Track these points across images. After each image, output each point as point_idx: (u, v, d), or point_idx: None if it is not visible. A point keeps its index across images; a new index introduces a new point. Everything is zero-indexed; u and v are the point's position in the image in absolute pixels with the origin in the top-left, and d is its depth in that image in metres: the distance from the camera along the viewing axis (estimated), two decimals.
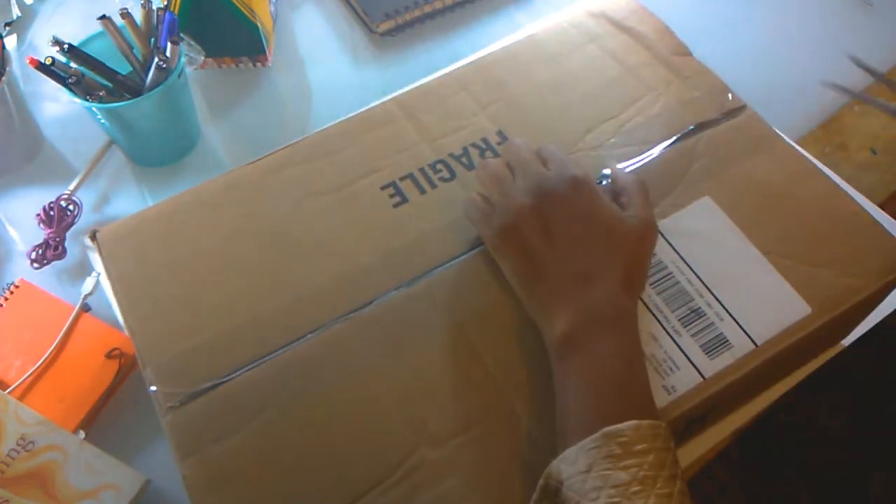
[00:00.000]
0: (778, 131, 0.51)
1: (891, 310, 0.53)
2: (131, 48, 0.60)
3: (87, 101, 0.57)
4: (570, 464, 0.35)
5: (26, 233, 0.60)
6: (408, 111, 0.52)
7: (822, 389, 1.04)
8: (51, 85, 0.57)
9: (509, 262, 0.43)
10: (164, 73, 0.58)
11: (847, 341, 0.53)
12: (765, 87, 0.51)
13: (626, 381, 0.38)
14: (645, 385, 0.39)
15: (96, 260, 0.47)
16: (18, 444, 0.47)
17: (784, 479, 1.02)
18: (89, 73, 0.58)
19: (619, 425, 0.35)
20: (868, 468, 1.03)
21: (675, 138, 0.50)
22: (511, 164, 0.45)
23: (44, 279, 0.57)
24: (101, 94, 0.57)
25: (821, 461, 1.04)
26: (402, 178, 0.49)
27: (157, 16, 0.60)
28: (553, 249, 0.41)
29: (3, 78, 0.59)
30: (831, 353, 0.53)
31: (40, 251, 0.57)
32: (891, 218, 0.57)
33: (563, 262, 0.41)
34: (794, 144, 0.51)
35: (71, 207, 0.59)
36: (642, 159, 0.50)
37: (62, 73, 0.56)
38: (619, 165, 0.49)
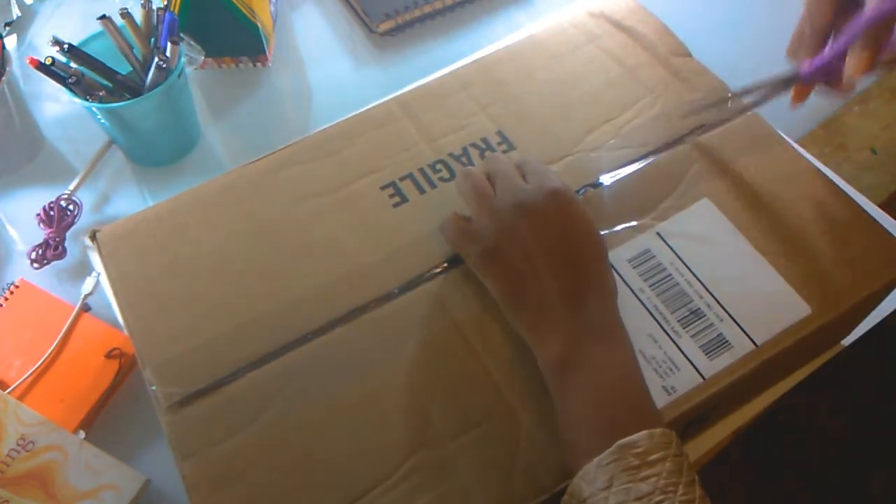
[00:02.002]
0: (778, 131, 0.51)
1: (891, 310, 0.53)
2: (131, 48, 0.60)
3: (87, 101, 0.57)
4: (590, 482, 0.35)
5: (26, 233, 0.60)
6: (408, 111, 0.52)
7: (822, 389, 1.04)
8: (51, 85, 0.57)
9: (493, 283, 0.42)
10: (164, 73, 0.58)
11: (847, 341, 0.53)
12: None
13: (630, 392, 0.38)
14: (647, 393, 0.39)
15: (96, 260, 0.47)
16: (18, 444, 0.47)
17: (784, 479, 1.02)
18: (89, 73, 0.58)
19: (633, 437, 0.35)
20: (868, 468, 1.03)
21: (674, 139, 0.50)
22: (491, 177, 0.44)
23: (44, 279, 0.57)
24: (101, 94, 0.58)
25: (821, 461, 1.04)
26: (401, 178, 0.49)
27: (157, 16, 0.60)
28: (537, 270, 0.41)
29: (3, 78, 0.59)
30: (831, 353, 0.53)
31: (40, 251, 0.57)
32: (891, 218, 0.57)
33: (549, 283, 0.40)
34: (794, 144, 0.51)
35: (71, 207, 0.59)
36: (642, 161, 0.50)
37: (62, 73, 0.56)
38: (619, 167, 0.49)
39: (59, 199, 0.59)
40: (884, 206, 0.60)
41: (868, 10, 0.43)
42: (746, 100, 0.49)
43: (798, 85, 0.48)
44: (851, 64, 0.43)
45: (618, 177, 0.49)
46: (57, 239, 0.58)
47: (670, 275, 0.44)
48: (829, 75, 0.46)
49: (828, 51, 0.46)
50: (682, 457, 0.35)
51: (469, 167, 0.47)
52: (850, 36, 0.43)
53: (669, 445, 0.35)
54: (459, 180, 0.45)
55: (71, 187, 0.61)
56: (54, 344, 0.52)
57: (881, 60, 0.43)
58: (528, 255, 0.41)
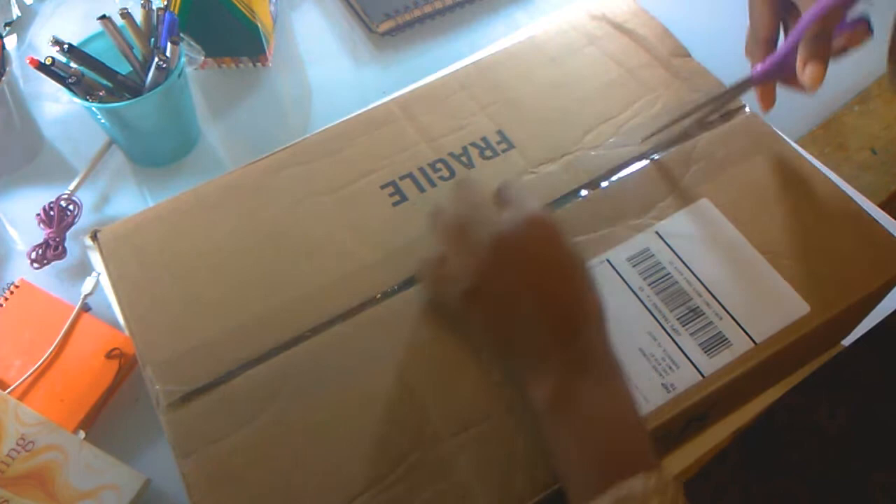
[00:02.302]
0: (777, 131, 0.51)
1: (891, 310, 0.53)
2: (131, 48, 0.60)
3: (87, 101, 0.57)
4: None
5: (26, 233, 0.60)
6: (407, 111, 0.53)
7: (822, 389, 1.04)
8: (51, 85, 0.57)
9: (476, 325, 0.40)
10: (164, 73, 0.58)
11: (847, 341, 0.53)
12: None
13: (625, 431, 0.37)
14: (643, 430, 0.37)
15: (97, 260, 0.47)
16: (18, 444, 0.47)
17: (784, 479, 1.02)
18: (89, 73, 0.58)
19: (629, 482, 0.34)
20: (868, 468, 1.03)
21: (674, 139, 0.50)
22: (464, 211, 0.42)
23: (44, 279, 0.57)
24: (101, 94, 0.58)
25: (821, 461, 1.04)
26: (401, 178, 0.49)
27: (157, 16, 0.60)
28: (522, 307, 0.38)
29: (3, 78, 0.59)
30: (831, 353, 0.53)
31: (40, 251, 0.57)
32: (890, 218, 0.57)
33: (536, 320, 0.38)
34: (793, 144, 0.51)
35: (71, 207, 0.59)
36: (642, 159, 0.50)
37: (62, 73, 0.56)
38: (619, 166, 0.49)
39: (59, 199, 0.59)
40: (883, 206, 0.60)
41: (806, 13, 0.44)
42: (711, 107, 0.51)
43: (757, 86, 0.49)
44: (803, 67, 0.45)
45: (617, 176, 0.49)
46: (57, 239, 0.58)
47: (669, 273, 0.45)
48: (784, 73, 0.47)
49: (777, 52, 0.47)
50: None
51: (440, 206, 0.43)
52: (797, 34, 0.45)
53: (665, 492, 0.34)
54: (431, 220, 0.43)
55: (71, 187, 0.61)
56: (54, 344, 0.52)
57: (834, 52, 0.45)
58: (511, 291, 0.39)
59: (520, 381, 0.39)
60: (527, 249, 0.39)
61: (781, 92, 0.51)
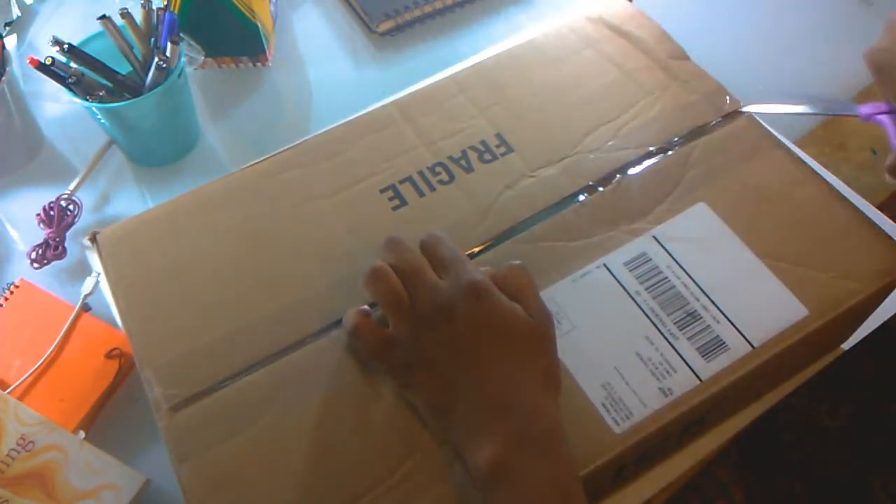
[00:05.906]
0: (776, 133, 0.51)
1: (891, 314, 0.53)
2: (131, 48, 0.60)
3: (87, 101, 0.57)
4: None
5: (26, 233, 0.61)
6: (406, 114, 0.53)
7: (823, 389, 1.04)
8: (51, 85, 0.57)
9: (421, 397, 0.39)
10: (164, 73, 0.58)
11: (847, 345, 0.53)
12: (764, 89, 0.51)
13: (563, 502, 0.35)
14: (581, 499, 0.36)
15: (96, 262, 0.47)
16: (18, 444, 0.47)
17: (784, 479, 1.02)
18: (89, 73, 0.58)
19: None
20: (868, 468, 1.03)
21: (673, 142, 0.50)
22: (401, 274, 0.41)
23: (44, 279, 0.57)
24: (101, 94, 0.58)
25: (821, 461, 1.04)
26: (401, 182, 0.49)
27: (157, 16, 0.60)
28: (465, 378, 0.38)
29: (3, 78, 0.60)
30: (832, 356, 0.53)
31: (40, 251, 0.58)
32: (889, 220, 0.57)
33: (478, 390, 0.38)
34: (792, 146, 0.51)
35: (71, 207, 0.60)
36: (640, 163, 0.50)
37: (62, 73, 0.56)
38: (618, 169, 0.49)
39: (59, 199, 0.59)
40: (883, 206, 0.60)
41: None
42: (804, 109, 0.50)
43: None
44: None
45: (615, 180, 0.49)
46: (57, 239, 0.58)
47: (666, 278, 0.45)
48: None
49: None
50: None
51: (378, 265, 0.41)
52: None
53: None
54: (369, 281, 0.41)
55: (71, 187, 0.61)
56: (54, 344, 0.53)
57: None
58: (454, 363, 0.38)
59: (461, 449, 0.38)
60: (469, 320, 0.39)
61: (781, 90, 0.51)
